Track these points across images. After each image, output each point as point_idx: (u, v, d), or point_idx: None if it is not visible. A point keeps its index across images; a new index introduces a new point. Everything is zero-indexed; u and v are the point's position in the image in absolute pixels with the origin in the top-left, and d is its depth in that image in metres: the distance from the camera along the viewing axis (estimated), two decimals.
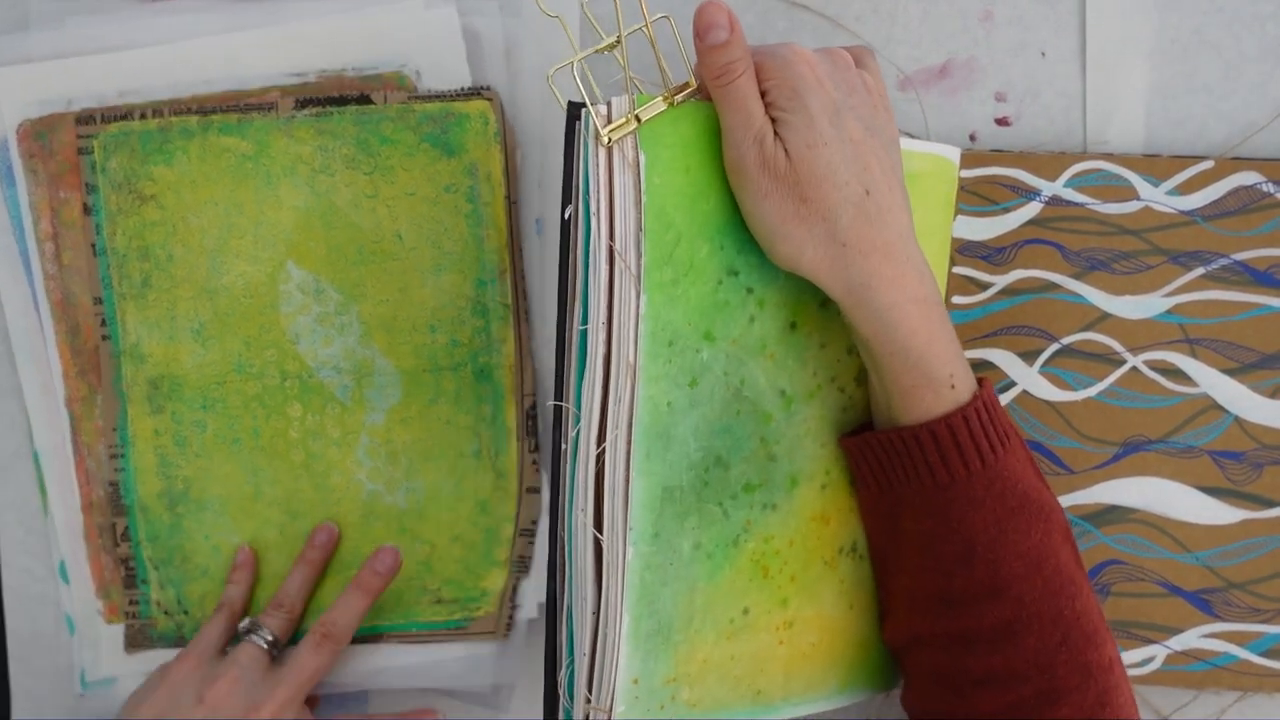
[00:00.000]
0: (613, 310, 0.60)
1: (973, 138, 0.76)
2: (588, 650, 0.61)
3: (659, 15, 0.62)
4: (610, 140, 0.59)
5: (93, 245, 0.73)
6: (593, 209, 0.60)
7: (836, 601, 0.68)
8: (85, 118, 0.73)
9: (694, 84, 0.62)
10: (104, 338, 0.74)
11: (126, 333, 0.73)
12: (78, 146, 0.72)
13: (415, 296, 0.73)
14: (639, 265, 0.60)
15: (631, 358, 0.60)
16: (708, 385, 0.62)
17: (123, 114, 0.72)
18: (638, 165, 0.60)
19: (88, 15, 0.73)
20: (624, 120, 0.60)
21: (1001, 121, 0.77)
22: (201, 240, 0.72)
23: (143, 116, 0.72)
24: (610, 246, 0.60)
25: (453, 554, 0.75)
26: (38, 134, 0.73)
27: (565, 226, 0.62)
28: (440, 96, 0.72)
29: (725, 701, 0.65)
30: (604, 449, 0.60)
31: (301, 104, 0.72)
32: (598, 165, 0.60)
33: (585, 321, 0.60)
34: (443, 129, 0.72)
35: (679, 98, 0.61)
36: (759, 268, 0.63)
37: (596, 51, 0.61)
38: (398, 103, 0.71)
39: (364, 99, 0.71)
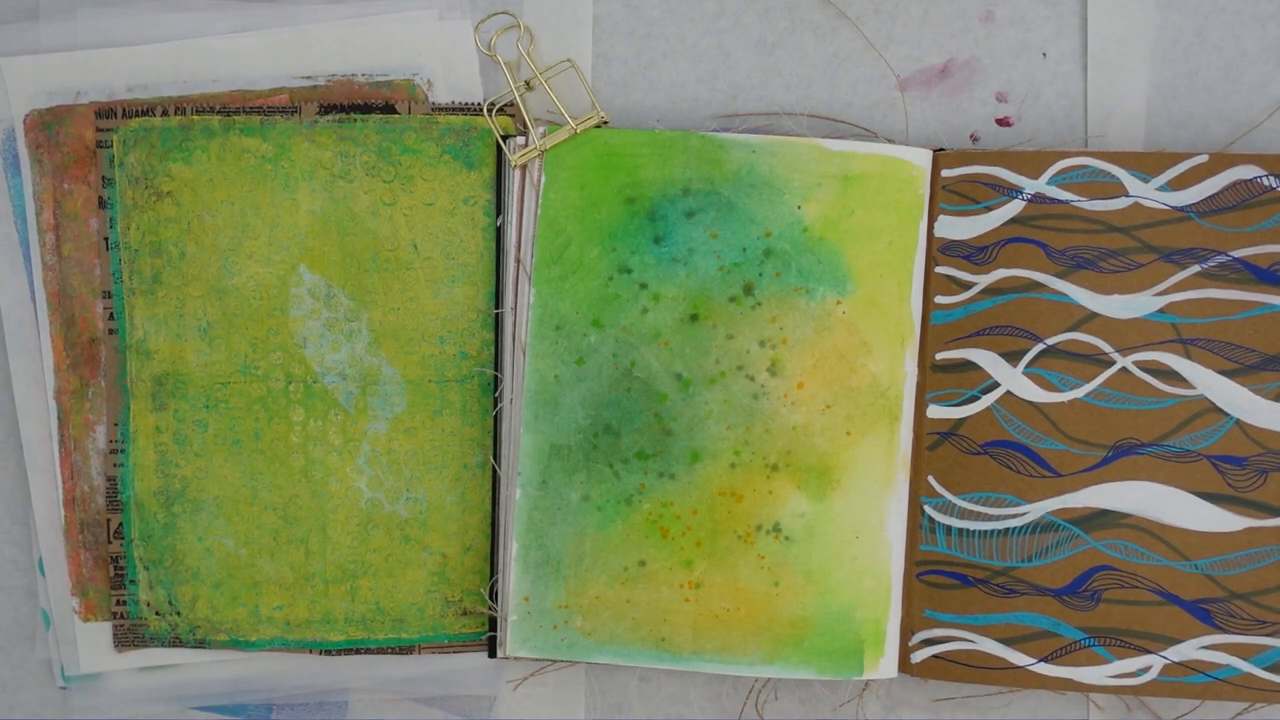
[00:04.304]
0: (516, 299, 0.83)
1: (974, 138, 0.85)
2: (499, 570, 0.84)
3: (562, 60, 0.84)
4: (518, 164, 0.82)
5: (105, 239, 0.83)
6: (509, 219, 0.83)
7: (755, 576, 0.81)
8: (105, 111, 0.82)
9: (599, 116, 0.82)
10: (110, 331, 0.83)
11: (134, 328, 0.83)
12: (96, 140, 0.82)
13: (426, 307, 0.83)
14: (531, 264, 0.82)
15: (523, 337, 0.82)
16: (595, 364, 0.81)
17: (144, 109, 0.82)
18: (539, 184, 0.82)
19: (98, 8, 0.83)
20: (532, 148, 0.82)
21: (1002, 122, 0.85)
22: (215, 239, 0.83)
23: (164, 113, 0.82)
24: (515, 249, 0.83)
25: (468, 564, 0.85)
26: (45, 124, 0.83)
27: (498, 232, 0.84)
28: (464, 109, 0.84)
29: (625, 639, 0.82)
30: (500, 408, 0.84)
31: (325, 109, 0.83)
32: (512, 184, 0.83)
33: (500, 306, 0.84)
34: (465, 142, 0.83)
35: (581, 127, 0.82)
36: (655, 266, 0.81)
37: (514, 91, 0.83)
38: (421, 113, 0.83)
39: (388, 108, 0.83)
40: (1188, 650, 0.82)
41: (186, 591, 0.86)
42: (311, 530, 0.86)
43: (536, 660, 0.85)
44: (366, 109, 0.84)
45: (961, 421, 0.83)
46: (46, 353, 0.85)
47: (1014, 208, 0.83)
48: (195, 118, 0.84)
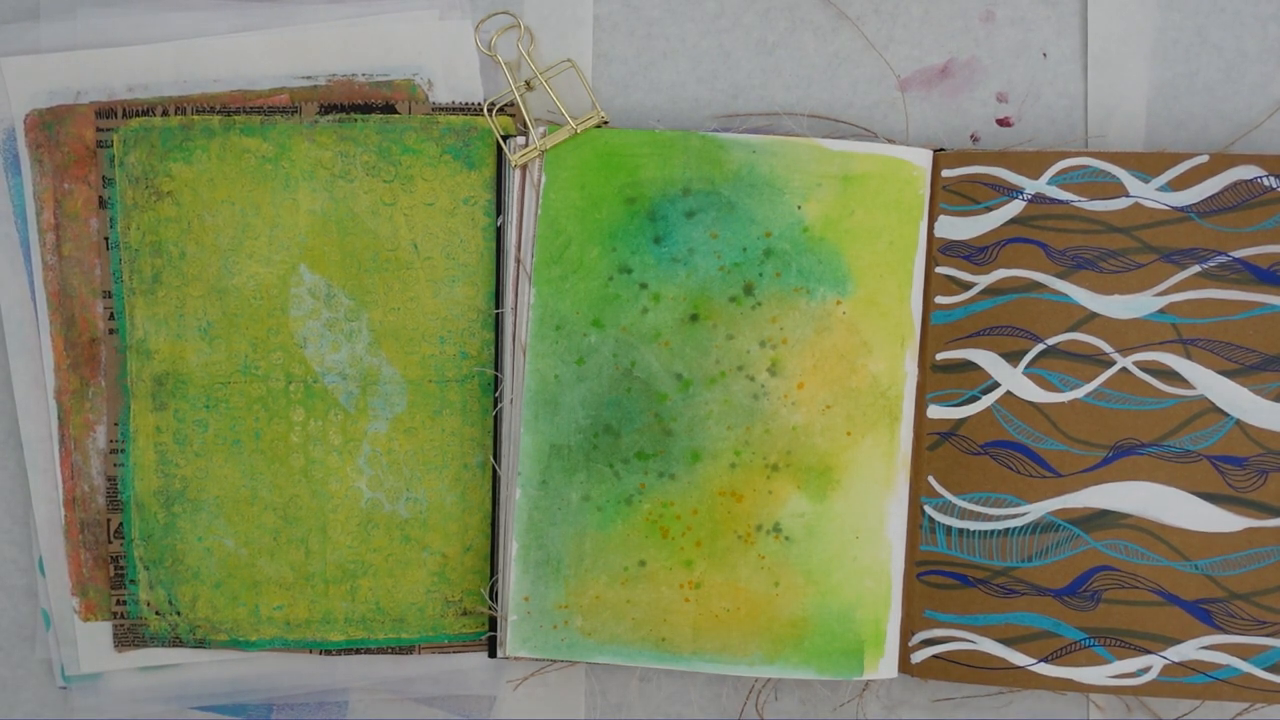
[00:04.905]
0: (516, 299, 0.83)
1: (974, 138, 0.85)
2: (499, 569, 0.85)
3: (563, 60, 0.85)
4: (518, 164, 0.83)
5: (105, 239, 0.84)
6: (509, 219, 0.84)
7: (755, 576, 0.82)
8: (105, 111, 0.83)
9: (599, 116, 0.83)
10: (111, 331, 0.84)
11: (134, 328, 0.84)
12: (96, 140, 0.83)
13: (427, 307, 0.84)
14: (531, 264, 0.82)
15: (523, 337, 0.82)
16: (595, 364, 0.82)
17: (144, 109, 0.83)
18: (539, 184, 0.82)
19: (98, 8, 0.83)
20: (532, 148, 0.83)
21: (1003, 122, 0.85)
22: (215, 239, 0.83)
23: (164, 113, 0.83)
24: (515, 249, 0.83)
25: (468, 564, 0.86)
26: (45, 124, 0.84)
27: (498, 232, 0.85)
28: (464, 109, 0.85)
29: (625, 639, 0.83)
30: (500, 408, 0.84)
31: (325, 109, 0.83)
32: (512, 184, 0.84)
33: (500, 306, 0.84)
34: (465, 142, 0.84)
35: (581, 127, 0.83)
36: (655, 266, 0.82)
37: (514, 91, 0.84)
38: (422, 113, 0.83)
39: (388, 108, 0.83)
40: (1188, 650, 0.82)
41: (186, 591, 0.86)
42: (311, 530, 0.86)
43: (536, 660, 0.85)
44: (367, 109, 0.85)
45: (962, 422, 0.84)
46: (46, 353, 0.86)
47: (1014, 208, 0.83)
48: (195, 118, 0.84)
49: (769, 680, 0.87)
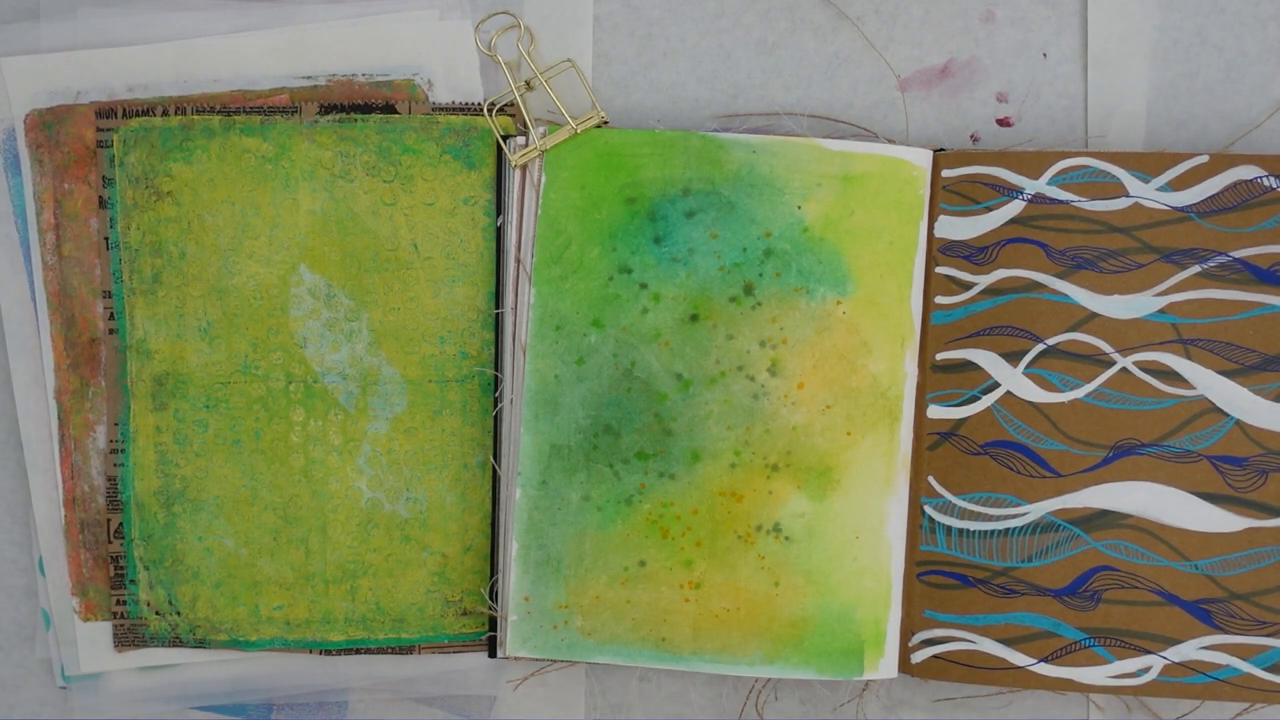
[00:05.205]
0: (516, 299, 0.83)
1: (974, 138, 0.85)
2: (499, 569, 0.85)
3: (563, 60, 0.85)
4: (518, 164, 0.83)
5: (105, 239, 0.84)
6: (509, 219, 0.84)
7: (755, 576, 0.82)
8: (105, 111, 0.84)
9: (599, 116, 0.83)
10: (111, 331, 0.84)
11: (134, 328, 0.84)
12: (97, 139, 0.84)
13: (427, 307, 0.84)
14: (531, 264, 0.83)
15: (523, 337, 0.83)
16: (595, 364, 0.82)
17: (144, 109, 0.83)
18: (539, 184, 0.83)
19: (98, 8, 0.84)
20: (532, 148, 0.83)
21: (1003, 122, 0.85)
22: (215, 239, 0.84)
23: (164, 113, 0.83)
24: (515, 249, 0.84)
25: (468, 564, 0.86)
26: (45, 124, 0.84)
27: (499, 232, 0.85)
28: (464, 109, 0.85)
29: (625, 639, 0.83)
30: (500, 408, 0.85)
31: (325, 109, 0.84)
32: (512, 184, 0.84)
33: (500, 306, 0.85)
34: (465, 142, 0.84)
35: (581, 127, 0.83)
36: (655, 266, 0.82)
37: (514, 91, 0.84)
38: (422, 113, 0.84)
39: (388, 108, 0.84)
40: (1188, 650, 0.83)
41: (186, 591, 0.86)
42: (311, 530, 0.86)
43: (536, 660, 0.85)
44: (367, 109, 0.85)
45: (962, 422, 0.84)
46: (47, 353, 0.86)
47: (1014, 208, 0.83)
48: (195, 118, 0.85)
49: (769, 680, 0.87)
